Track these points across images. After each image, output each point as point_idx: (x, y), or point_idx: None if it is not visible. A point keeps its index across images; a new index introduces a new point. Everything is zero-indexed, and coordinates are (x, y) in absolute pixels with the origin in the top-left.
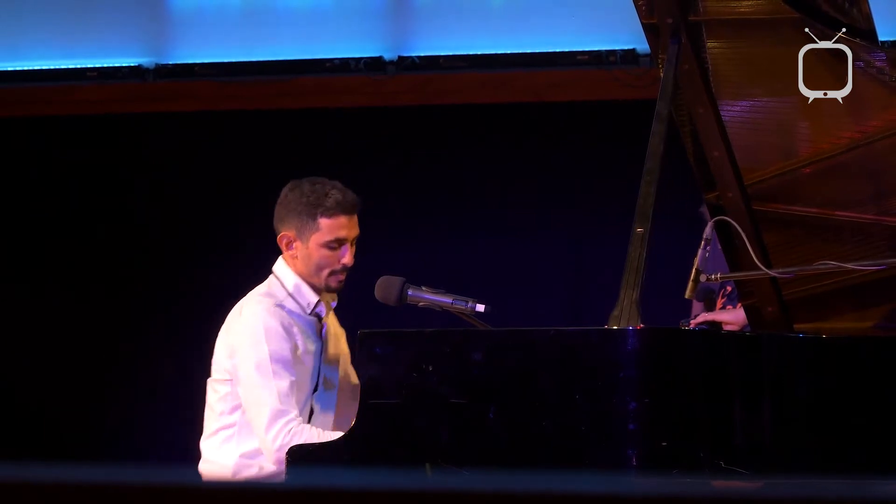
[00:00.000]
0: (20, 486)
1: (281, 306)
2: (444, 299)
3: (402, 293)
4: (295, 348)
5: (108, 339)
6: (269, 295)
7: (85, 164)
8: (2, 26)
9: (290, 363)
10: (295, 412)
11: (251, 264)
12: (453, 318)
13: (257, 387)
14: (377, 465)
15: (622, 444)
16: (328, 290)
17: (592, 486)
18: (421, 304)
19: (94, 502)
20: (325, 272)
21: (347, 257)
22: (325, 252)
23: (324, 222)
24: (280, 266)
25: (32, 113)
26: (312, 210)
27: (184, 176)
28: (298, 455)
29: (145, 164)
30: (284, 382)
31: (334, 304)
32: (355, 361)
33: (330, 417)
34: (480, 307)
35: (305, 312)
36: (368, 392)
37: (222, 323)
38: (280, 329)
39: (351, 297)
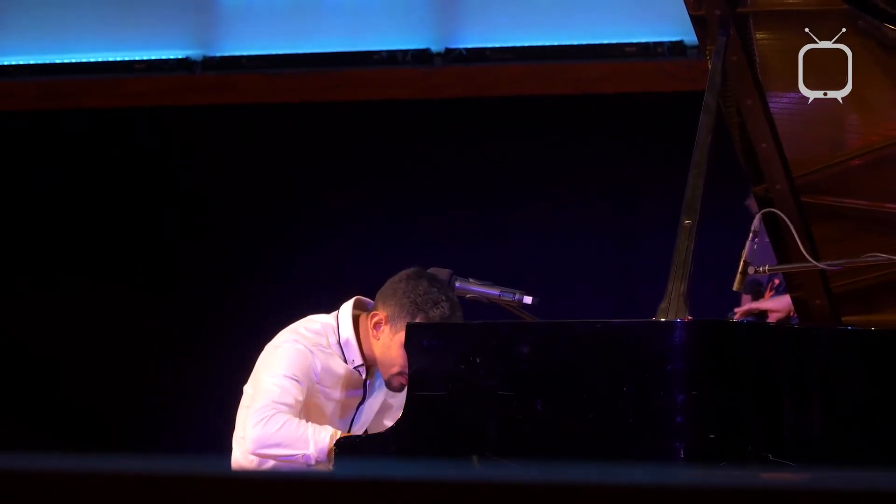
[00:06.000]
0: (62, 476)
1: (323, 350)
2: (492, 291)
3: (449, 284)
4: (314, 393)
5: (158, 331)
6: (318, 335)
7: (131, 157)
8: (50, 19)
9: (300, 391)
10: (283, 409)
11: (298, 259)
12: (498, 310)
13: (258, 392)
14: (424, 456)
15: (670, 437)
16: (387, 386)
17: (641, 478)
18: (468, 295)
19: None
20: (395, 370)
21: None
22: (405, 353)
23: None
24: (345, 315)
25: (80, 105)
26: (416, 309)
27: (230, 168)
28: (346, 446)
29: (192, 157)
30: (289, 398)
31: None
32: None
33: None
34: (528, 299)
35: (347, 364)
36: (415, 384)
37: (271, 320)
38: (306, 368)
39: None
